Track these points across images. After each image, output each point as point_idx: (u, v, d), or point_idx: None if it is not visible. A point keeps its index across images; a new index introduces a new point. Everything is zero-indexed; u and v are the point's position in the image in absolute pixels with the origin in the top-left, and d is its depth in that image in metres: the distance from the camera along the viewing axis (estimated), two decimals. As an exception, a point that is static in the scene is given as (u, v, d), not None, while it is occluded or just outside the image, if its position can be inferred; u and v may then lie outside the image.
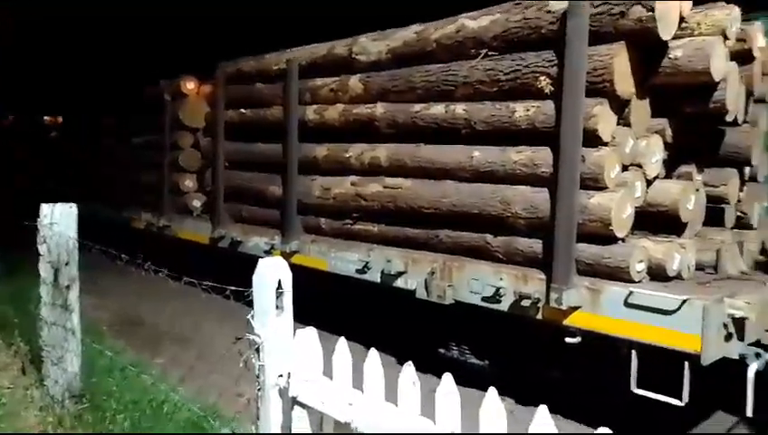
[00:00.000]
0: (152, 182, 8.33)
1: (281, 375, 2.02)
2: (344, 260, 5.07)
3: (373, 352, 1.74)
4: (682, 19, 3.62)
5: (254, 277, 1.99)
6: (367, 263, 4.83)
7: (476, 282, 4.07)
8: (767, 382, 3.24)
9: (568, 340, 3.61)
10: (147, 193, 8.51)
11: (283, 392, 2.04)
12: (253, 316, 2.00)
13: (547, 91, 3.84)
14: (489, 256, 4.20)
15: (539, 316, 3.74)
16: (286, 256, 5.57)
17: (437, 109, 4.55)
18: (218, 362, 4.82)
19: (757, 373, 3.19)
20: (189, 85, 7.99)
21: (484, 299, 4.03)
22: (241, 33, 9.99)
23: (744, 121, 4.13)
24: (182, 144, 8.01)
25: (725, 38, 3.62)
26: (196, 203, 7.83)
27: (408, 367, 1.67)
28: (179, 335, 5.82)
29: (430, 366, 4.49)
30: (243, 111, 6.65)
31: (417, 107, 4.71)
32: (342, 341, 1.85)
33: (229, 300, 2.34)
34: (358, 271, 4.92)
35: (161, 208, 8.04)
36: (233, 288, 2.26)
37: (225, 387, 4.26)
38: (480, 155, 4.26)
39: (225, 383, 4.32)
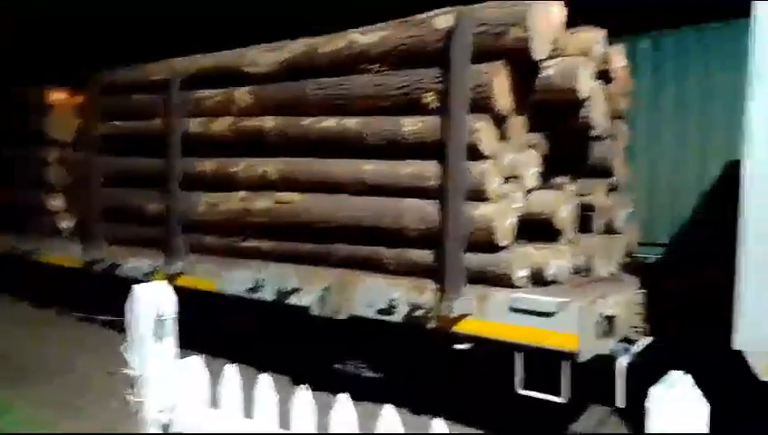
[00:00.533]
0: (15, 202, 7.49)
1: (162, 410, 1.86)
2: (234, 279, 4.86)
3: (264, 377, 1.65)
4: (555, 41, 3.90)
5: (127, 305, 1.81)
6: (259, 281, 4.66)
7: (371, 295, 4.07)
8: (635, 375, 3.54)
9: (457, 347, 3.71)
10: (9, 214, 7.63)
11: (165, 428, 1.87)
12: (127, 348, 1.82)
13: (433, 106, 3.95)
14: (383, 268, 4.22)
15: (431, 325, 3.81)
16: (170, 277, 5.24)
17: (329, 122, 4.53)
18: (94, 398, 4.42)
19: (630, 367, 3.47)
20: (57, 95, 7.30)
21: (378, 312, 4.03)
22: (114, 39, 9.30)
23: (609, 136, 4.53)
24: (49, 159, 7.28)
25: (591, 59, 3.96)
26: (66, 224, 7.14)
27: (303, 391, 1.60)
28: (49, 370, 5.25)
29: (326, 383, 4.43)
30: (119, 123, 6.19)
31: (309, 120, 4.65)
32: (230, 368, 1.73)
33: (107, 328, 2.13)
34: (249, 290, 4.73)
35: (26, 231, 7.24)
36: (103, 318, 2.06)
37: (102, 425, 3.90)
38: (372, 168, 4.29)
39: (102, 421, 3.96)
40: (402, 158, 4.13)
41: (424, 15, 4.07)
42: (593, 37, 3.96)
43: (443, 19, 3.93)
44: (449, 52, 3.78)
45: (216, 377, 1.86)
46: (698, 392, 1.29)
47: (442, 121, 3.87)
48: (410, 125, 4.07)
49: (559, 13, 3.79)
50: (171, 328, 1.84)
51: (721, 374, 3.38)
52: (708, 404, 1.30)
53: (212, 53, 5.43)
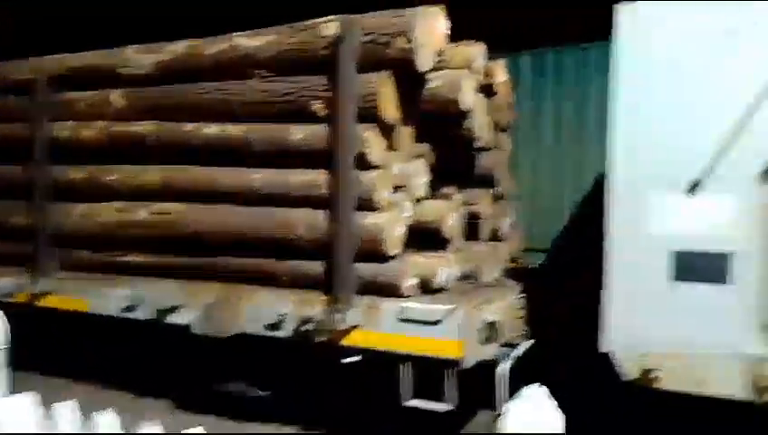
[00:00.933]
0: None
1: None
2: (109, 297, 4.47)
3: (102, 416, 1.47)
4: (439, 53, 3.98)
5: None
6: (136, 299, 4.32)
7: (259, 310, 3.91)
8: (519, 378, 3.66)
9: (348, 359, 3.65)
10: None
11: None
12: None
13: (321, 114, 3.89)
14: (272, 281, 4.08)
15: (322, 339, 3.72)
16: (36, 297, 4.74)
17: (213, 129, 4.32)
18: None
19: (511, 371, 3.58)
20: None
21: (267, 327, 3.88)
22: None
23: (493, 147, 4.71)
24: None
25: (473, 72, 4.08)
26: None
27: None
28: None
29: (212, 405, 4.20)
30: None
31: (192, 126, 4.40)
32: (63, 405, 1.53)
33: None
34: (125, 309, 4.37)
35: None
36: None
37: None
38: (260, 177, 4.14)
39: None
40: (291, 166, 4.03)
41: (311, 22, 4.00)
42: (475, 51, 4.10)
43: (330, 26, 3.88)
44: (336, 60, 3.74)
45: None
46: (553, 404, 1.31)
47: (331, 130, 3.81)
48: (299, 133, 3.97)
49: (442, 26, 3.87)
50: (2, 361, 1.61)
51: (597, 377, 3.59)
52: (563, 415, 1.33)
53: (83, 52, 5.00)
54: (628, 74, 3.08)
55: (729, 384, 2.80)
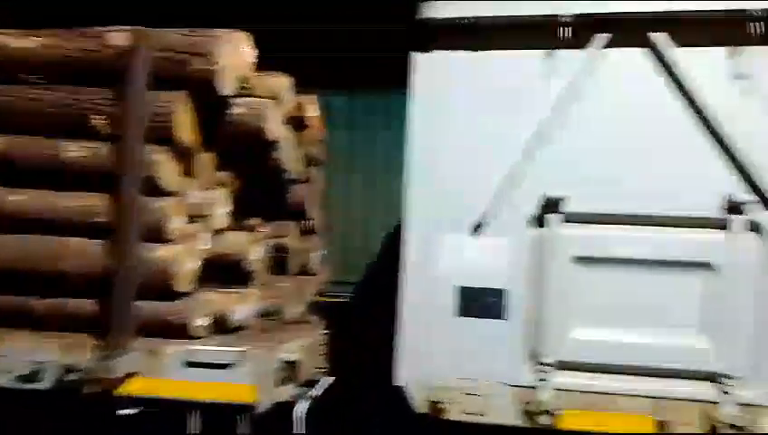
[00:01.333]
0: None
1: None
2: None
3: None
4: (244, 79, 3.81)
5: None
6: None
7: (9, 358, 3.25)
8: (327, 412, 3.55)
9: (122, 412, 3.18)
10: None
11: None
12: None
13: (105, 132, 3.46)
14: (31, 323, 3.45)
15: (91, 389, 3.20)
16: None
17: (-35, 140, 3.59)
18: None
19: (310, 411, 3.44)
20: None
21: (20, 379, 3.23)
22: None
23: (304, 180, 4.63)
24: None
25: (280, 103, 3.99)
26: None
27: None
28: None
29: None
30: None
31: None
32: None
33: None
34: None
35: None
36: None
37: None
38: (24, 199, 3.52)
39: None
40: (64, 188, 3.50)
41: (97, 29, 3.59)
42: (282, 83, 4.04)
43: (121, 37, 3.50)
44: (126, 74, 3.38)
45: None
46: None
47: (115, 150, 3.40)
48: (76, 150, 3.48)
49: (247, 52, 3.73)
50: None
51: (401, 407, 3.60)
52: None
53: None
54: (421, 121, 3.23)
55: (505, 412, 2.98)
